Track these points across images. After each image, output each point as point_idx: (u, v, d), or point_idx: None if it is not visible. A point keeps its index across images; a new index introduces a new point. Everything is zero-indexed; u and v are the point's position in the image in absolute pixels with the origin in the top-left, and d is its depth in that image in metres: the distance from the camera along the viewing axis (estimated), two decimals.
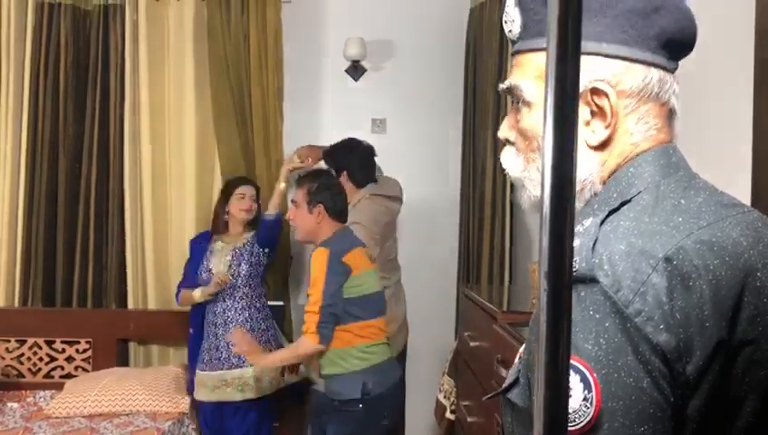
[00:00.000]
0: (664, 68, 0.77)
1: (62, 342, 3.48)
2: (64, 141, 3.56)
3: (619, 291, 0.65)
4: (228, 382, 2.98)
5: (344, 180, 3.00)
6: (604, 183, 0.78)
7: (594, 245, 0.68)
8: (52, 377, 3.46)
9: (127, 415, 3.02)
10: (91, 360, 3.48)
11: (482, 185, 3.41)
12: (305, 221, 2.56)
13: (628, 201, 0.73)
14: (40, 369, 3.47)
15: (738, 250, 0.68)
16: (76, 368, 3.48)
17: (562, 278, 0.36)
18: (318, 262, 2.42)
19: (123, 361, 3.53)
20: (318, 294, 2.38)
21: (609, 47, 0.75)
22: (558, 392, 0.35)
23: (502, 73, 3.28)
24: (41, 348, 3.47)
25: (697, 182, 0.77)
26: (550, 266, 0.36)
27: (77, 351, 3.49)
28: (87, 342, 3.49)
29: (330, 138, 3.81)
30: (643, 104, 0.77)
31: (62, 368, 3.48)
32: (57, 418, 2.99)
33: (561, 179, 0.41)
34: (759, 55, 1.33)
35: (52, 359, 3.48)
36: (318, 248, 2.47)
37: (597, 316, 0.65)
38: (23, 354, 3.46)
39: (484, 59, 3.41)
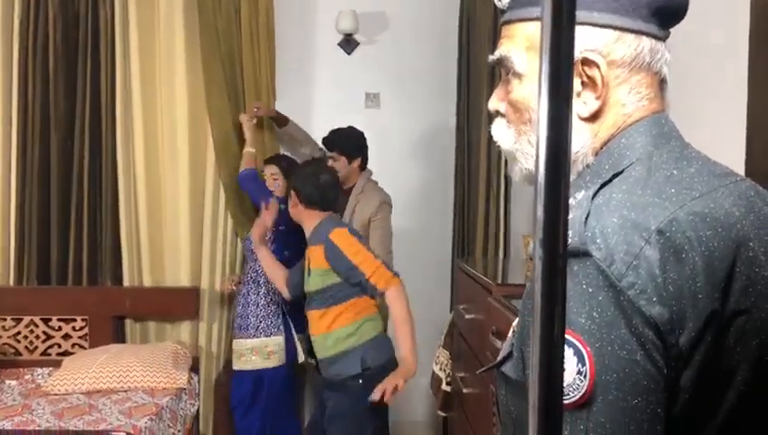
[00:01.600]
0: (655, 36, 0.76)
1: (58, 320, 3.49)
2: (55, 119, 3.53)
3: (612, 264, 0.65)
4: (255, 350, 3.14)
5: (355, 165, 3.17)
6: (596, 154, 0.77)
7: (587, 218, 0.67)
8: (49, 355, 3.47)
9: (125, 391, 3.04)
10: (87, 337, 3.49)
11: (476, 158, 3.40)
12: (294, 213, 2.68)
13: (621, 173, 0.72)
14: (36, 347, 3.48)
15: (730, 221, 0.67)
16: (73, 345, 3.49)
17: (557, 246, 0.36)
18: (343, 239, 2.49)
19: (119, 338, 3.54)
20: (367, 254, 2.48)
21: (600, 16, 0.74)
22: (553, 362, 0.35)
23: (496, 46, 3.26)
24: (37, 326, 3.48)
25: (690, 152, 0.76)
26: (545, 234, 0.36)
27: (73, 328, 3.50)
28: (83, 319, 3.49)
29: (323, 112, 3.79)
30: (635, 74, 0.76)
31: (59, 346, 3.49)
32: (55, 395, 3.00)
33: (556, 149, 0.41)
34: (753, 42, 1.32)
35: (49, 337, 3.49)
36: (332, 232, 2.51)
37: (590, 290, 0.65)
38: (19, 333, 3.47)
39: (479, 31, 3.39)
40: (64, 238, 3.54)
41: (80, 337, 3.50)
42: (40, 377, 3.26)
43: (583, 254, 0.66)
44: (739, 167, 1.35)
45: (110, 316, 3.50)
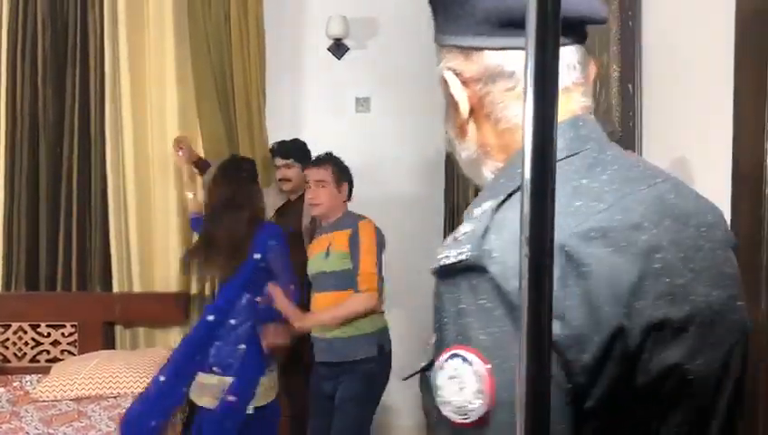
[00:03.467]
0: (518, 47, 0.72)
1: (47, 326, 3.46)
2: (44, 124, 3.51)
3: (509, 280, 0.62)
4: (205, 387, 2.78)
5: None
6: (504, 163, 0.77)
7: (486, 232, 0.65)
8: (38, 361, 3.44)
9: (114, 397, 3.02)
10: (77, 343, 3.46)
11: None
12: (332, 198, 2.74)
13: None
14: (25, 353, 3.45)
15: (636, 233, 0.65)
16: (62, 352, 3.46)
17: (544, 244, 0.37)
18: (368, 232, 2.67)
19: (109, 344, 3.52)
20: (374, 259, 2.63)
21: (446, 38, 0.78)
22: (540, 357, 0.35)
23: None
24: (26, 332, 3.45)
25: (606, 156, 0.73)
26: (531, 232, 0.36)
27: (63, 335, 3.47)
28: (72, 325, 3.47)
29: (313, 117, 3.80)
30: (503, 84, 0.75)
31: (48, 352, 3.46)
32: (44, 401, 2.98)
33: (541, 148, 0.41)
34: (739, 42, 1.34)
35: (38, 343, 3.46)
36: (364, 221, 2.71)
37: (488, 305, 0.64)
38: (7, 339, 3.44)
39: None
40: (53, 244, 3.52)
41: (69, 343, 3.47)
42: (28, 384, 3.23)
43: (480, 269, 0.64)
44: (726, 166, 1.36)
45: (100, 322, 3.48)
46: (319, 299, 2.72)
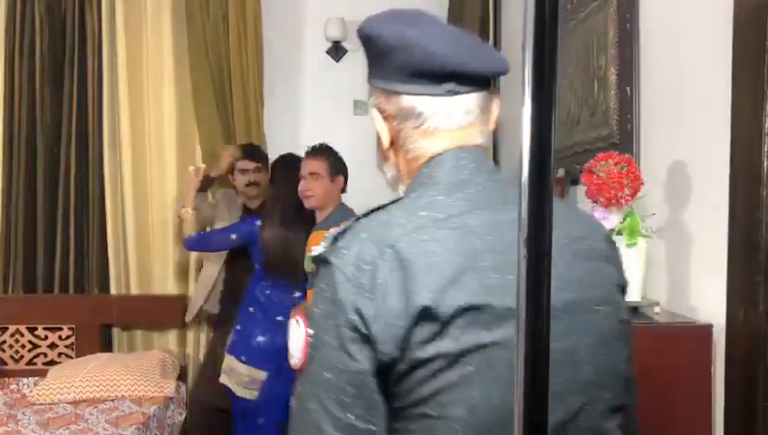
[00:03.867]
0: (428, 93, 0.90)
1: (44, 328, 3.46)
2: (42, 126, 3.51)
3: (347, 266, 0.80)
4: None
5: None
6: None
7: (344, 234, 0.85)
8: (35, 364, 3.43)
9: (112, 400, 3.01)
10: (74, 346, 3.46)
11: None
12: (325, 191, 2.65)
13: (400, 199, 0.92)
14: (22, 356, 3.44)
15: (467, 236, 0.81)
16: (59, 355, 3.45)
17: (542, 245, 0.36)
18: None
19: (107, 346, 3.51)
20: None
21: (373, 81, 0.96)
22: (539, 356, 0.35)
23: None
24: (23, 335, 3.44)
25: (476, 180, 0.89)
26: (529, 233, 0.36)
27: (60, 337, 3.47)
28: (70, 328, 3.46)
29: (311, 120, 3.79)
30: (413, 122, 0.92)
31: (45, 355, 3.46)
32: (41, 405, 2.97)
33: (540, 150, 0.41)
34: (737, 49, 1.34)
35: (35, 346, 3.46)
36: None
37: (324, 287, 0.82)
38: (4, 342, 3.43)
39: None
40: (51, 246, 3.52)
41: (66, 346, 3.46)
42: (25, 387, 3.23)
43: (325, 261, 0.84)
44: (723, 169, 1.36)
45: (97, 325, 3.48)
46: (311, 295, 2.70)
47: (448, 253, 0.80)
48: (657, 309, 1.53)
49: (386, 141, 0.96)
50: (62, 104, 3.53)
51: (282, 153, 3.01)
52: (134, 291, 3.52)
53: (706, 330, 1.41)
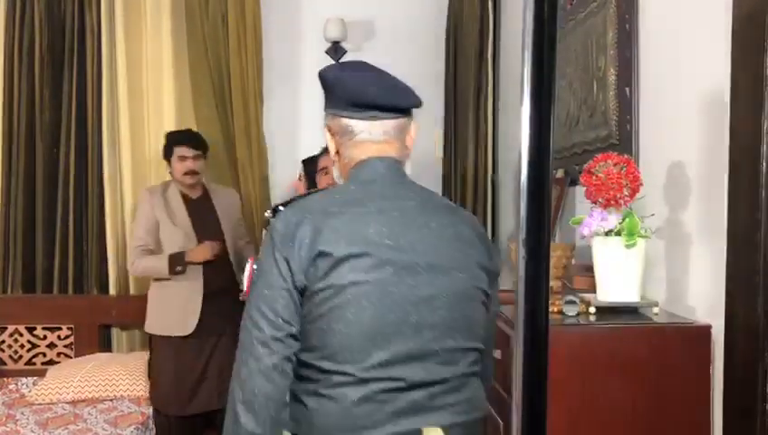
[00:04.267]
0: (357, 117, 1.28)
1: (43, 328, 3.46)
2: (41, 126, 3.51)
3: (276, 229, 1.20)
4: None
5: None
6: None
7: (285, 205, 1.37)
8: (34, 364, 3.43)
9: (111, 400, 3.01)
10: (73, 346, 3.46)
11: (463, 165, 3.41)
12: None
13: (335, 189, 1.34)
14: (21, 356, 3.44)
15: (348, 215, 1.20)
16: (58, 354, 3.45)
17: (540, 245, 0.37)
18: None
19: (106, 346, 3.51)
20: None
21: (326, 109, 1.33)
22: (538, 354, 0.35)
23: (483, 53, 3.28)
24: (21, 335, 3.44)
25: (380, 181, 1.26)
26: (528, 233, 0.36)
27: (59, 337, 3.47)
28: (69, 328, 3.46)
29: (310, 120, 3.79)
30: (347, 137, 1.29)
31: (44, 355, 3.46)
32: (40, 404, 2.97)
33: (539, 150, 0.41)
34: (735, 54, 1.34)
35: (34, 346, 3.46)
36: None
37: (268, 236, 1.22)
38: (3, 342, 3.43)
39: (466, 39, 3.40)
40: (50, 246, 3.52)
41: (65, 346, 3.46)
42: (24, 387, 3.22)
43: (267, 225, 1.28)
44: (723, 169, 1.36)
45: (97, 325, 3.47)
46: None
47: (346, 220, 1.18)
48: (655, 309, 1.53)
49: (332, 151, 1.34)
50: (61, 105, 3.52)
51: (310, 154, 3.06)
52: (133, 291, 3.52)
53: (705, 330, 1.42)
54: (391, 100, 1.29)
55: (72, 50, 3.51)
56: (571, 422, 1.40)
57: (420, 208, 1.25)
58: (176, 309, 2.90)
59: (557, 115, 2.49)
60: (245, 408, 1.16)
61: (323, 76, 1.33)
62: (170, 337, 2.88)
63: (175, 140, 3.03)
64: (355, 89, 1.27)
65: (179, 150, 2.99)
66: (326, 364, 1.16)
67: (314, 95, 3.91)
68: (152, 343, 3.05)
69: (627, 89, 1.84)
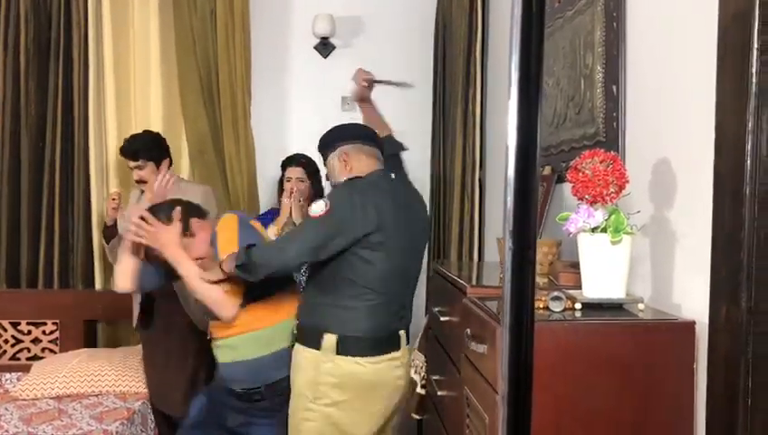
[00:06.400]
0: (358, 146, 2.21)
1: (27, 323, 3.43)
2: (26, 118, 3.48)
3: (332, 199, 2.09)
4: None
5: (164, 167, 3.00)
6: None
7: (337, 187, 2.23)
8: (19, 359, 3.41)
9: (96, 396, 2.99)
10: (58, 341, 3.43)
11: (451, 162, 3.42)
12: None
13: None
14: (5, 351, 3.42)
15: (378, 198, 2.09)
16: (43, 350, 3.43)
17: (527, 238, 0.37)
18: None
19: (91, 342, 3.49)
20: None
21: (338, 144, 2.21)
22: (523, 346, 0.36)
23: (471, 50, 3.28)
24: (6, 330, 3.42)
25: (383, 183, 2.17)
26: (515, 226, 0.37)
27: (44, 332, 3.44)
28: (54, 323, 3.44)
29: (299, 116, 3.79)
30: (355, 157, 2.19)
31: (29, 350, 3.43)
32: (24, 400, 2.95)
33: (525, 145, 0.42)
34: (721, 43, 1.35)
35: (18, 341, 3.43)
36: None
37: (331, 204, 2.08)
38: None
39: (455, 35, 3.41)
40: (35, 241, 3.49)
41: (50, 341, 3.44)
42: (8, 382, 3.20)
43: (329, 195, 2.18)
44: (708, 166, 1.38)
45: (82, 320, 3.46)
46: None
47: (374, 201, 2.05)
48: (640, 306, 1.54)
49: (346, 169, 2.20)
50: (47, 99, 3.50)
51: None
52: None
53: (689, 327, 1.43)
54: (378, 140, 2.31)
55: (58, 43, 3.48)
56: (557, 417, 1.41)
57: (407, 200, 2.18)
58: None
59: (544, 113, 2.49)
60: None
61: (336, 128, 2.28)
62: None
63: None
64: (354, 132, 2.28)
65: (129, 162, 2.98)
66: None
67: (302, 91, 3.91)
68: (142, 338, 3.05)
69: (614, 86, 1.85)
